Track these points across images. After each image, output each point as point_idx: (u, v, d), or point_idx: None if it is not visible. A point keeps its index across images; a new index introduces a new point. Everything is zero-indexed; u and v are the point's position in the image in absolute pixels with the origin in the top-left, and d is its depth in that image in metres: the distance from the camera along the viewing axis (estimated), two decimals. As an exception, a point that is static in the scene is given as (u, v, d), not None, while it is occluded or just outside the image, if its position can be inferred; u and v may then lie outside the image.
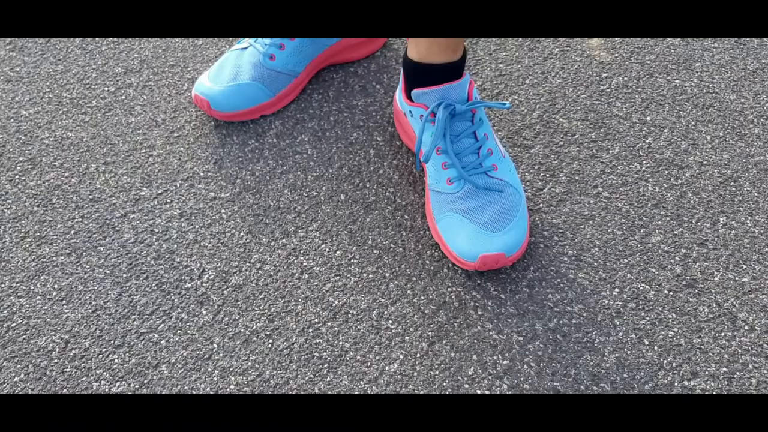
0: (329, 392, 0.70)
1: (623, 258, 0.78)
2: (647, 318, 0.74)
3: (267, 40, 0.92)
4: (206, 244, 0.81)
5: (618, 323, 0.74)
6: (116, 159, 0.90)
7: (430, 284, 0.77)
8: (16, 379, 0.72)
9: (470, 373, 0.71)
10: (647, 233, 0.81)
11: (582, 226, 0.81)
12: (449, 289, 0.77)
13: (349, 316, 0.75)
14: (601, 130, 0.90)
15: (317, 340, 0.73)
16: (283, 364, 0.72)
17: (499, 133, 0.90)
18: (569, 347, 0.72)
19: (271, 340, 0.73)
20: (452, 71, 0.77)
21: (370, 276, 0.78)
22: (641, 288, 0.76)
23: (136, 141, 0.92)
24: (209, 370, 0.71)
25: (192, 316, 0.75)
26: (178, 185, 0.87)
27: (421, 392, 0.69)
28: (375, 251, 0.80)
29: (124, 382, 0.71)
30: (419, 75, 0.78)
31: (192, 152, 0.90)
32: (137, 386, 0.70)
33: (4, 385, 0.71)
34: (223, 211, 0.84)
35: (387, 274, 0.78)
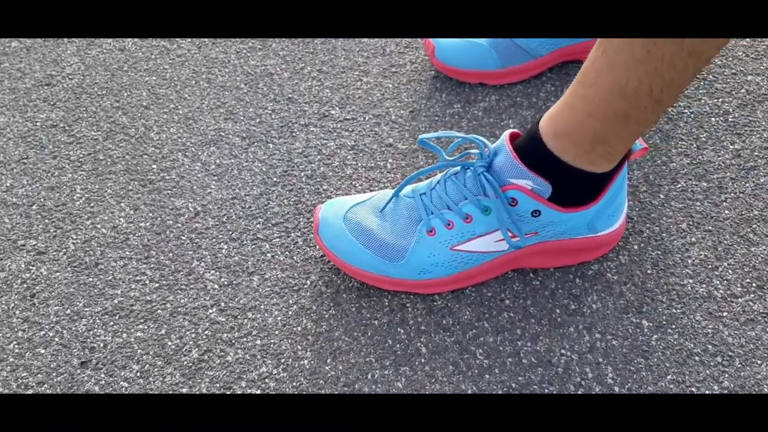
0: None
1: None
2: None
3: (521, 9, 0.83)
4: (357, 185, 0.78)
5: None
6: (330, 71, 0.90)
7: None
8: (142, 224, 0.76)
9: None
10: None
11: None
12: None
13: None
14: None
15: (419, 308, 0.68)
16: (361, 329, 0.67)
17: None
18: None
19: (358, 302, 0.69)
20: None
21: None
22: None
23: (356, 61, 0.90)
24: (290, 303, 0.70)
25: (306, 245, 0.74)
26: (366, 119, 0.84)
27: None
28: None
29: (217, 273, 0.72)
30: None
31: (396, 93, 0.87)
32: (226, 282, 0.71)
33: (131, 225, 0.76)
34: (390, 160, 0.80)
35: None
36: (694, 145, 0.79)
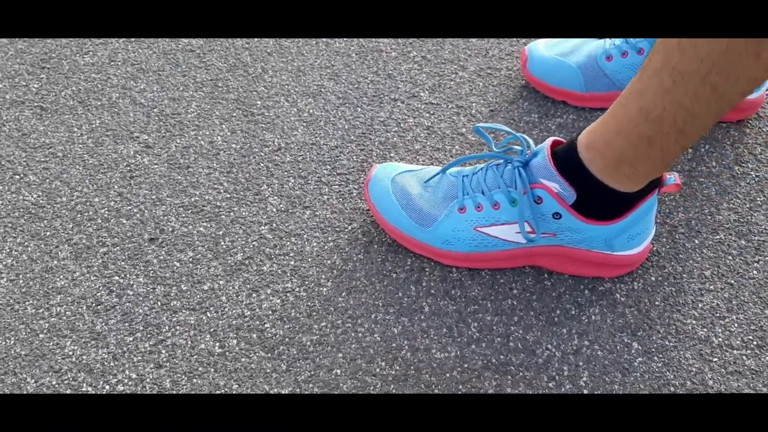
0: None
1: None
2: None
3: (618, 40, 0.88)
4: (420, 159, 0.87)
5: None
6: (432, 59, 0.98)
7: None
8: (233, 145, 0.89)
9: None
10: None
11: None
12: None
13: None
14: None
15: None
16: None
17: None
18: None
19: (385, 255, 0.78)
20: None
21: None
22: None
23: (458, 56, 0.99)
24: (328, 239, 0.79)
25: (359, 197, 0.83)
26: (449, 107, 0.92)
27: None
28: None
29: (279, 200, 0.83)
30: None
31: (484, 91, 0.94)
32: (283, 209, 0.82)
33: (224, 144, 0.89)
34: (457, 147, 0.88)
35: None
36: (747, 206, 0.81)
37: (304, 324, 0.73)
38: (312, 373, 0.69)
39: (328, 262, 0.77)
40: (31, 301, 0.75)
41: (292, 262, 0.77)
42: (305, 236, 0.80)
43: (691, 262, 0.77)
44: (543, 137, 0.88)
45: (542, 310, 0.73)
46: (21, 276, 0.77)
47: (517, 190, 0.70)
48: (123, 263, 0.78)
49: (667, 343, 0.71)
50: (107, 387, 0.69)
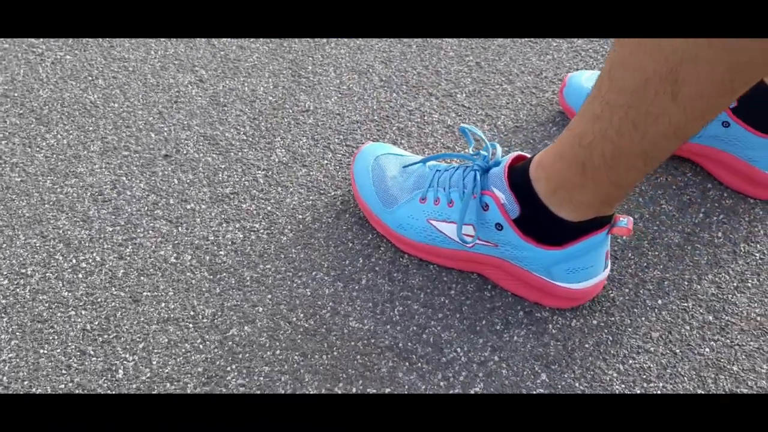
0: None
1: None
2: None
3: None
4: (426, 151, 0.89)
5: None
6: (485, 67, 1.00)
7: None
8: (270, 99, 0.97)
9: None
10: None
11: None
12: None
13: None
14: None
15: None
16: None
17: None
18: None
19: (351, 226, 0.82)
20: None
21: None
22: None
23: (511, 70, 1.00)
24: (310, 198, 0.85)
25: (352, 168, 0.87)
26: (478, 113, 0.94)
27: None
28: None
29: (284, 152, 0.89)
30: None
31: (518, 108, 0.95)
32: (284, 161, 0.88)
33: (260, 88, 0.97)
34: (468, 150, 0.90)
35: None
36: (734, 284, 0.76)
37: (253, 261, 0.79)
38: (238, 303, 0.75)
39: (300, 216, 0.83)
40: (51, 177, 0.87)
41: (268, 208, 0.84)
42: (291, 189, 0.86)
43: (643, 319, 0.74)
44: (552, 163, 0.87)
45: (469, 315, 0.74)
46: (54, 156, 0.90)
47: (468, 192, 0.71)
48: (135, 168, 0.88)
49: (576, 384, 0.69)
50: (73, 261, 0.79)
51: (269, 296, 0.76)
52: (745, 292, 0.76)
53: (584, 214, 0.66)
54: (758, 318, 0.74)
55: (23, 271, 0.78)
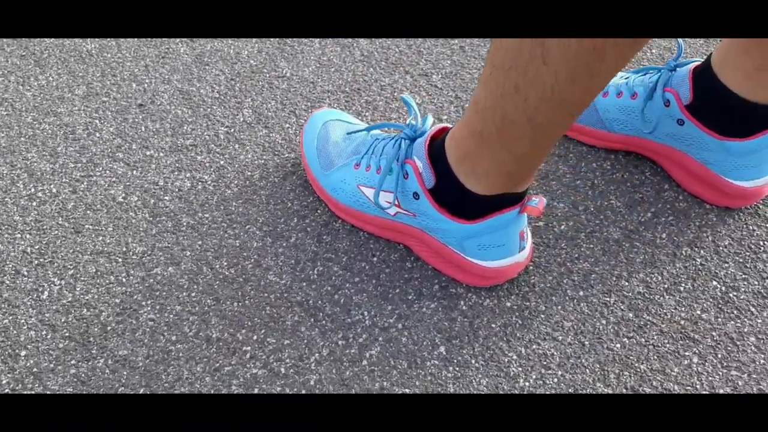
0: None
1: None
2: None
3: (625, 78, 0.84)
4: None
5: None
6: (462, 48, 1.00)
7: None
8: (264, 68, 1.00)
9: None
10: None
11: None
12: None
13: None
14: None
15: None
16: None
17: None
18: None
19: (295, 188, 0.84)
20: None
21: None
22: None
23: (483, 58, 0.99)
24: (265, 158, 0.87)
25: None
26: (450, 96, 0.94)
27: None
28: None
29: (251, 114, 0.92)
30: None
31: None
32: (251, 122, 0.91)
33: (245, 52, 1.00)
34: (424, 126, 0.90)
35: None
36: (664, 286, 0.74)
37: (193, 209, 0.82)
38: (169, 245, 0.78)
39: (248, 173, 0.85)
40: (33, 114, 0.93)
41: (221, 162, 0.87)
42: (247, 147, 0.88)
43: (559, 307, 0.73)
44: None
45: (385, 283, 0.75)
46: (41, 95, 0.95)
47: (389, 159, 0.72)
48: (109, 113, 0.93)
49: (472, 362, 0.69)
50: (32, 190, 0.84)
51: (200, 242, 0.79)
52: (674, 295, 0.73)
53: (491, 187, 0.66)
54: (682, 322, 0.71)
55: (-15, 194, 0.84)
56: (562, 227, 0.79)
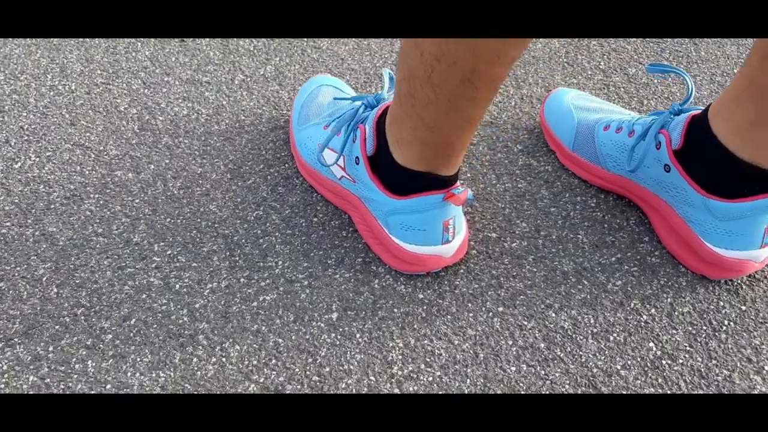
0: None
1: None
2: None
3: (627, 115, 0.79)
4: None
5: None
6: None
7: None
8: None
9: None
10: None
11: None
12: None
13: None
14: None
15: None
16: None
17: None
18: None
19: (277, 140, 0.85)
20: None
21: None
22: None
23: (517, 68, 0.97)
24: (263, 118, 0.90)
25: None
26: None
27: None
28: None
29: (251, 72, 0.95)
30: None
31: (504, 107, 0.92)
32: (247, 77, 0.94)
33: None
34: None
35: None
36: (593, 330, 0.68)
37: (177, 133, 0.85)
38: (138, 156, 0.82)
39: (242, 117, 0.88)
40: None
41: (224, 102, 0.90)
42: (254, 96, 0.91)
43: (470, 314, 0.69)
44: (502, 171, 0.83)
45: (313, 243, 0.74)
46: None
47: (342, 120, 0.72)
48: (152, 41, 0.99)
49: (356, 335, 0.66)
50: (56, 82, 0.92)
51: (167, 161, 0.82)
52: (600, 342, 0.67)
53: (413, 160, 0.64)
54: (594, 370, 0.65)
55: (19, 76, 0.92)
56: (514, 245, 0.75)
